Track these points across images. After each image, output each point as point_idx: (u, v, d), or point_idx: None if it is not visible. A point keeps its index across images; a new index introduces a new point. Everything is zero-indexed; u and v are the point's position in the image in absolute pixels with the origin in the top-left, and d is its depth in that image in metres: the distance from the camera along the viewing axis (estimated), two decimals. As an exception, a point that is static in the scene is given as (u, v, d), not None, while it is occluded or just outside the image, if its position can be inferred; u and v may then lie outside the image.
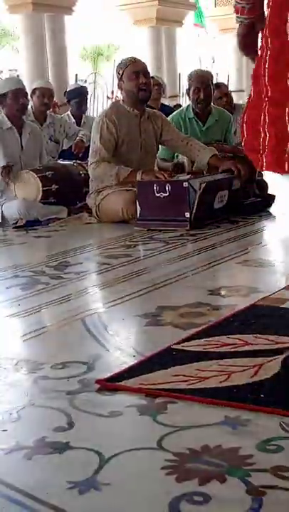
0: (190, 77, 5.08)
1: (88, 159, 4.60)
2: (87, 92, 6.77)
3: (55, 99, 6.64)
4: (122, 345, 2.13)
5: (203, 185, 4.03)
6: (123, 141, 4.44)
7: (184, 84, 7.18)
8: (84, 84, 7.62)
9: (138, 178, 4.27)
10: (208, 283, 2.78)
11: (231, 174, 4.40)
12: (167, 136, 4.62)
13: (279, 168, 1.84)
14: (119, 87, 4.53)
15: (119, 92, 4.59)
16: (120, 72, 4.47)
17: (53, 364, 1.94)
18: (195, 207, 4.00)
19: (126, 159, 4.45)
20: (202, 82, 5.02)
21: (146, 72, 4.51)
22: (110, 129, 4.40)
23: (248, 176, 4.53)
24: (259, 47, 2.01)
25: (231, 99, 6.31)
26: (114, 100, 11.68)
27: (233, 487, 1.27)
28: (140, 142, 4.51)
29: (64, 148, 5.93)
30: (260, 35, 2.07)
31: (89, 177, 4.61)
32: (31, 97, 5.62)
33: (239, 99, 10.97)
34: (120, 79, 4.48)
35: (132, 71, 4.42)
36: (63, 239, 4.06)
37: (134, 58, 4.55)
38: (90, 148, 4.56)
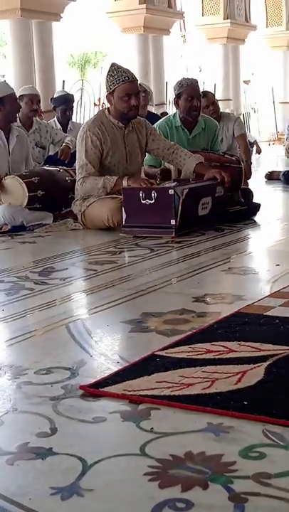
0: (181, 86, 5.01)
1: (76, 171, 4.58)
2: (73, 100, 6.78)
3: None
4: (106, 351, 2.13)
5: (185, 191, 4.05)
6: (108, 153, 4.44)
7: (171, 92, 7.19)
8: (70, 92, 7.63)
9: (124, 184, 4.28)
10: (192, 290, 2.79)
11: (215, 181, 4.41)
12: (153, 145, 4.62)
13: None
14: (108, 100, 4.44)
15: (107, 102, 4.52)
16: (112, 88, 4.36)
17: (36, 369, 1.94)
18: (179, 213, 4.01)
19: (111, 171, 4.44)
20: (195, 90, 5.01)
21: (137, 93, 4.44)
22: (94, 141, 4.39)
23: (232, 184, 4.55)
24: None
25: (218, 107, 6.34)
26: (101, 107, 11.70)
27: (215, 494, 1.27)
28: (125, 154, 4.50)
29: (50, 154, 5.93)
30: None
31: (75, 183, 4.60)
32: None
33: (226, 107, 11.03)
34: (111, 93, 4.39)
35: (125, 93, 4.33)
36: (48, 245, 4.06)
37: (128, 76, 4.37)
38: (76, 163, 4.54)
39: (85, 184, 4.40)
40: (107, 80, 4.43)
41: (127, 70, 4.47)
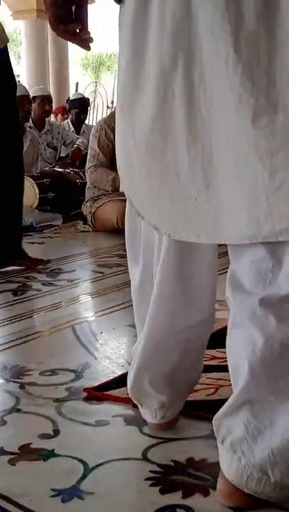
0: None
1: (86, 164, 4.63)
2: (88, 103, 6.86)
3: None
4: (111, 354, 2.13)
5: None
6: None
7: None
8: (85, 95, 7.68)
9: None
10: (199, 296, 2.78)
11: None
12: None
13: None
14: None
15: None
16: None
17: (41, 371, 1.94)
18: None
19: None
20: None
21: None
22: (108, 134, 4.44)
23: None
24: None
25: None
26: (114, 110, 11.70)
27: (216, 501, 1.27)
28: None
29: (62, 155, 5.95)
30: None
31: (85, 185, 4.62)
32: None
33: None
34: None
35: None
36: (57, 246, 4.06)
37: None
38: (88, 154, 4.59)
39: (96, 173, 4.45)
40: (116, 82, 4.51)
41: None
